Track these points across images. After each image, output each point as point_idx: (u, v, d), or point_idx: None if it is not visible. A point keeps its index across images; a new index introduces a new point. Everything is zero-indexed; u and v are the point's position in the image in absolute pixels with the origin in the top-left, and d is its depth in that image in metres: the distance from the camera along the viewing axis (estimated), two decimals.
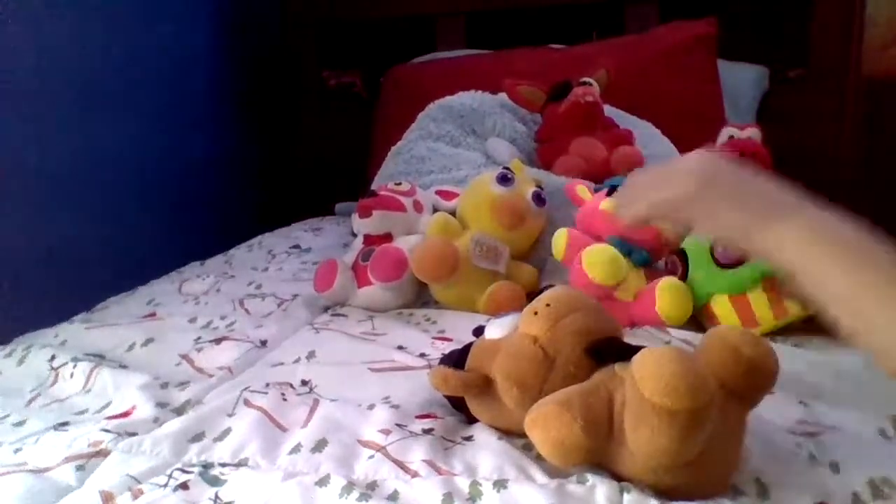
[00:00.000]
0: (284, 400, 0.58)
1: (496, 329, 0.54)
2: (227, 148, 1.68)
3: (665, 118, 1.29)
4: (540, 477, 0.45)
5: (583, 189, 0.88)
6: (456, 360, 0.56)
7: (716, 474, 0.45)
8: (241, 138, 1.74)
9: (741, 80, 1.47)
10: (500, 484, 0.44)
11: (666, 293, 0.72)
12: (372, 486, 0.46)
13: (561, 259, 0.80)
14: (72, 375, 0.67)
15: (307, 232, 1.34)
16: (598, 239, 0.78)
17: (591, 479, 0.44)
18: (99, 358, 0.71)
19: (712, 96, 1.38)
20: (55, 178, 1.15)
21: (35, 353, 0.73)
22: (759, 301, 0.73)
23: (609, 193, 0.81)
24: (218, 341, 0.73)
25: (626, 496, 0.42)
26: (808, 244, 0.42)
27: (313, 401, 0.58)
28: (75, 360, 0.69)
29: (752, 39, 1.55)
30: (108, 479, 0.48)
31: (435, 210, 0.94)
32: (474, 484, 0.44)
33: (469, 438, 0.52)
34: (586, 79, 1.16)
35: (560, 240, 0.80)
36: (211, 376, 0.66)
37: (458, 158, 1.14)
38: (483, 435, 0.52)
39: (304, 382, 0.63)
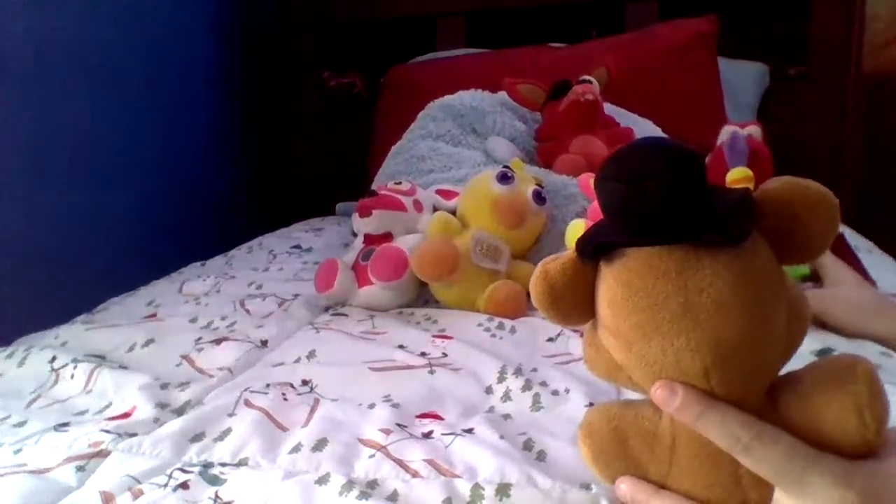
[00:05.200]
0: (285, 400, 0.58)
1: None
2: (227, 148, 1.68)
3: (666, 116, 1.28)
4: (542, 480, 0.45)
5: None
6: None
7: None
8: (242, 139, 1.75)
9: (742, 77, 1.47)
10: (502, 491, 0.44)
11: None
12: (372, 484, 0.46)
13: None
14: (72, 376, 0.67)
15: (308, 232, 1.34)
16: None
17: (595, 487, 0.43)
18: (99, 359, 0.70)
19: (713, 94, 1.37)
20: (54, 177, 1.15)
21: (36, 354, 0.72)
22: None
23: None
24: (218, 342, 0.73)
25: None
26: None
27: (314, 400, 0.58)
28: (76, 360, 0.68)
29: (752, 37, 1.55)
30: (108, 479, 0.48)
31: (435, 209, 0.94)
32: (476, 488, 0.44)
33: (470, 431, 0.52)
34: (586, 77, 1.16)
35: (576, 231, 0.78)
36: (211, 376, 0.66)
37: (458, 157, 1.13)
38: (484, 429, 0.52)
39: (304, 382, 0.63)
